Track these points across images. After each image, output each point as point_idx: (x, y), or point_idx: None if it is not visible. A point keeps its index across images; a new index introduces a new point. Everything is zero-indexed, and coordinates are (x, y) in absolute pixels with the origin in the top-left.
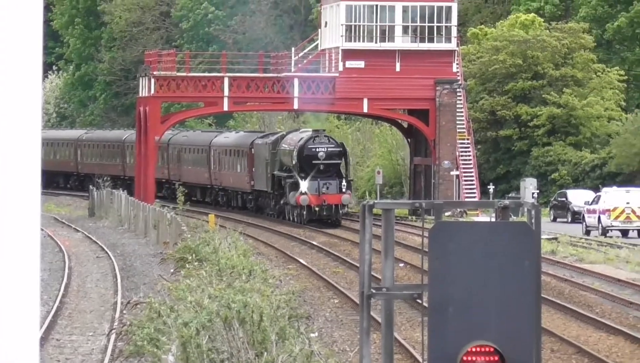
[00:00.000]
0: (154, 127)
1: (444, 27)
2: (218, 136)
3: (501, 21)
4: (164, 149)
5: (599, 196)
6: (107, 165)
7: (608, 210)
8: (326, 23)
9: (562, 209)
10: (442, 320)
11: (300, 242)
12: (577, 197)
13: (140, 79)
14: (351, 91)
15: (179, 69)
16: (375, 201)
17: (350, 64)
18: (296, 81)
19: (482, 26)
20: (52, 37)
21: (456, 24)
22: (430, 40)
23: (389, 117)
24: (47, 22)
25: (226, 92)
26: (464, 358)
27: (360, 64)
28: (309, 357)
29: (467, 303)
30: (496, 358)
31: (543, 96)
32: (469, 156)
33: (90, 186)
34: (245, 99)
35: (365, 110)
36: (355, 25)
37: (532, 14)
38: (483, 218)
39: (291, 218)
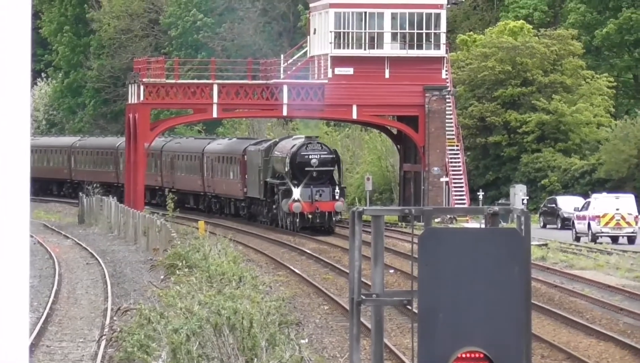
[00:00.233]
0: (143, 134)
1: (432, 33)
2: (211, 142)
3: (490, 28)
4: (157, 156)
5: (589, 202)
6: (101, 172)
7: (598, 216)
8: (315, 30)
9: (552, 216)
10: (432, 326)
11: (291, 249)
12: (567, 203)
13: (130, 86)
14: (340, 97)
15: (168, 76)
16: (365, 208)
17: (339, 70)
18: (285, 88)
19: (471, 33)
20: (40, 44)
21: (445, 31)
22: (419, 47)
23: (379, 124)
24: (35, 30)
25: (215, 99)
26: None
27: (349, 70)
28: None
29: (457, 309)
30: None
31: (532, 102)
32: (459, 162)
33: (80, 193)
34: (234, 106)
35: (354, 117)
36: (344, 32)
37: (521, 21)
38: (473, 224)
39: (284, 226)
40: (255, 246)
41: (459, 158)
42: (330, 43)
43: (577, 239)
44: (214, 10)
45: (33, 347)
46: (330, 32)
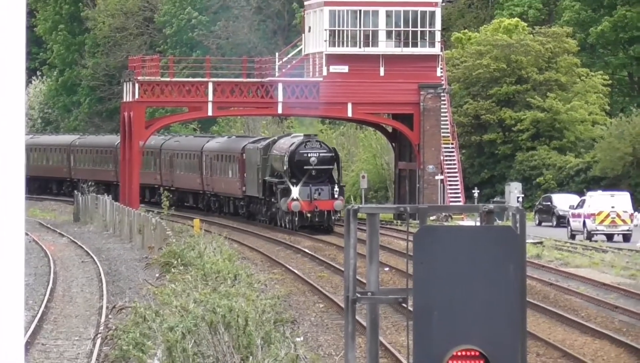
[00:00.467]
0: (138, 132)
1: (427, 31)
2: (210, 141)
3: (485, 26)
4: (157, 154)
5: (584, 200)
6: (100, 171)
7: (593, 214)
8: (310, 28)
9: (547, 214)
10: (427, 324)
11: (286, 247)
12: (562, 201)
13: (124, 84)
14: (335, 95)
15: (163, 74)
16: (360, 206)
17: (334, 68)
18: (280, 86)
19: (466, 31)
20: (35, 42)
21: (440, 29)
22: (414, 45)
23: (374, 122)
24: (30, 28)
25: (210, 97)
26: (449, 362)
27: (344, 68)
28: (294, 361)
29: (452, 307)
30: (481, 362)
31: (527, 100)
32: (454, 160)
33: (75, 191)
34: (229, 104)
35: (349, 115)
36: (338, 30)
37: (516, 19)
38: (468, 222)
39: (283, 225)
40: (250, 244)
41: (454, 155)
42: (325, 41)
43: (573, 237)
44: (209, 8)
45: (28, 345)
46: (325, 30)
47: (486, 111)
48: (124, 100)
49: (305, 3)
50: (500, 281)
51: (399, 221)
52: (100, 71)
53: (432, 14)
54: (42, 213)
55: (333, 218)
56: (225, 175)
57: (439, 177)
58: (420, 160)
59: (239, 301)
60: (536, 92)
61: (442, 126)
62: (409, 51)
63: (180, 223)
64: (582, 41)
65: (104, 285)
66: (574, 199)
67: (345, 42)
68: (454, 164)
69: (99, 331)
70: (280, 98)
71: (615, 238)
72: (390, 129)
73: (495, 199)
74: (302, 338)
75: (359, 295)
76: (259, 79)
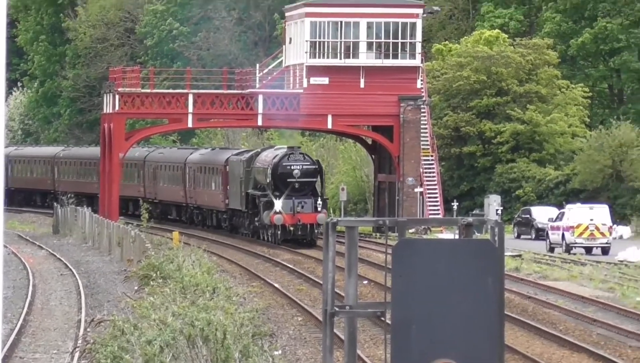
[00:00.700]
0: (118, 144)
1: (408, 43)
2: (193, 153)
3: (465, 37)
4: (140, 166)
5: (563, 212)
6: (84, 183)
7: (572, 227)
8: (290, 39)
9: (526, 226)
10: (405, 338)
11: (265, 259)
12: (541, 214)
13: (105, 95)
14: (315, 107)
15: (144, 86)
16: (339, 219)
17: (315, 80)
18: (260, 98)
19: (447, 42)
20: (16, 53)
21: (420, 40)
22: (395, 56)
23: (353, 134)
24: (11, 39)
25: (190, 108)
26: None
27: (325, 80)
28: None
29: (430, 320)
30: None
31: (507, 112)
32: (433, 172)
33: (55, 203)
34: (209, 116)
35: (329, 126)
36: (319, 42)
37: (497, 30)
38: (447, 235)
39: (265, 238)
40: (230, 257)
41: (433, 168)
42: (306, 52)
43: (551, 250)
44: (190, 19)
45: (6, 358)
46: (306, 41)
47: (466, 123)
48: (104, 111)
49: (287, 14)
50: (478, 295)
51: (378, 234)
52: (81, 82)
53: (413, 25)
54: (21, 225)
55: (316, 231)
56: (208, 187)
57: (418, 189)
58: (399, 172)
59: (217, 314)
60: (516, 104)
61: (422, 138)
62: (390, 62)
63: (159, 236)
64: (562, 53)
65: (83, 298)
66: (553, 211)
67: (325, 54)
68: (434, 176)
69: (77, 344)
70: (260, 110)
71: (594, 251)
72: (370, 141)
73: (474, 212)
74: (280, 352)
75: (337, 309)
76: (240, 91)
